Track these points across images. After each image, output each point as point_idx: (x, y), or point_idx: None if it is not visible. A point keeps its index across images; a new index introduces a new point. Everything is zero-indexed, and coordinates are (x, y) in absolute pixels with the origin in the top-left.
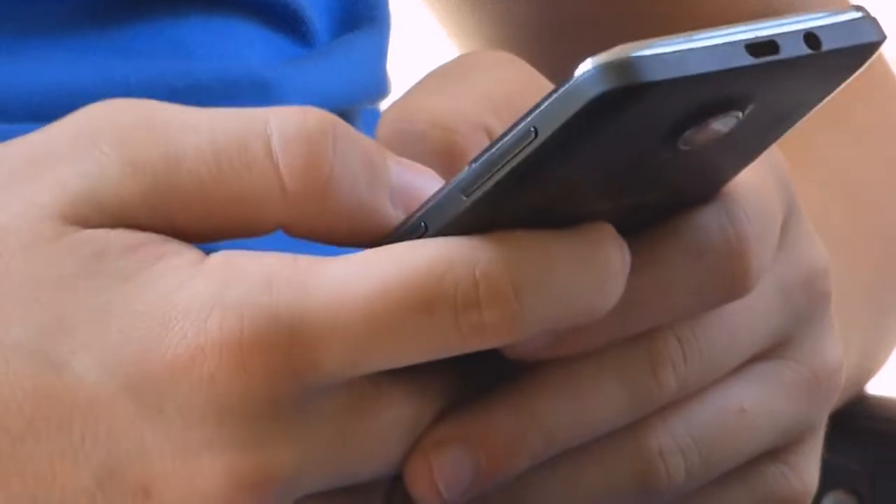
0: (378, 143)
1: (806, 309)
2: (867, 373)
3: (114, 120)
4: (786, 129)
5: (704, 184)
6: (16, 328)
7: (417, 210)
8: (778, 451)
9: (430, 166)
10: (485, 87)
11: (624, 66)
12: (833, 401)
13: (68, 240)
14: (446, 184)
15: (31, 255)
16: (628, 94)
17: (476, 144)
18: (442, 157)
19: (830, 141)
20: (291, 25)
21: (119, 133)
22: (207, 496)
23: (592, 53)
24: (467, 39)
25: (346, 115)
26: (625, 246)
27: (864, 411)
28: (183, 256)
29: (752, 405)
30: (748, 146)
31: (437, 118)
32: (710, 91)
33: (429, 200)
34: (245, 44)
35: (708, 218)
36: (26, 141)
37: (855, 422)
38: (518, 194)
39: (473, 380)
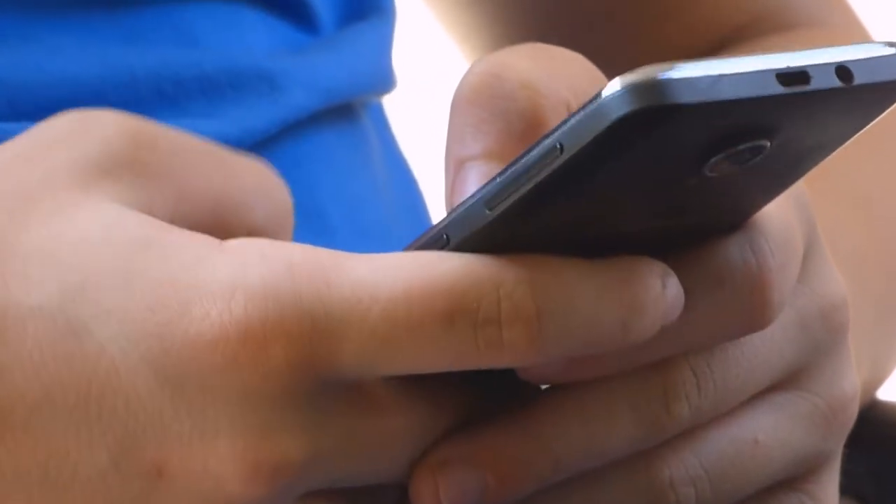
0: (462, 89)
1: (823, 340)
2: (877, 382)
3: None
4: (814, 164)
5: (731, 213)
6: (37, 291)
7: (441, 221)
8: (796, 480)
9: (513, 126)
10: (569, 69)
11: (652, 88)
12: (848, 431)
13: (88, 205)
14: (470, 196)
15: (52, 219)
16: (655, 115)
17: (558, 116)
18: (526, 119)
19: (844, 153)
20: (296, 13)
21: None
22: (221, 479)
23: (592, 54)
24: (466, 38)
25: (351, 108)
26: (668, 283)
27: (872, 417)
28: (199, 235)
29: (765, 436)
30: (776, 178)
31: (528, 80)
32: (737, 118)
33: (452, 211)
34: (250, 31)
35: (731, 247)
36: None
37: (863, 428)
38: (541, 211)
39: (485, 399)
